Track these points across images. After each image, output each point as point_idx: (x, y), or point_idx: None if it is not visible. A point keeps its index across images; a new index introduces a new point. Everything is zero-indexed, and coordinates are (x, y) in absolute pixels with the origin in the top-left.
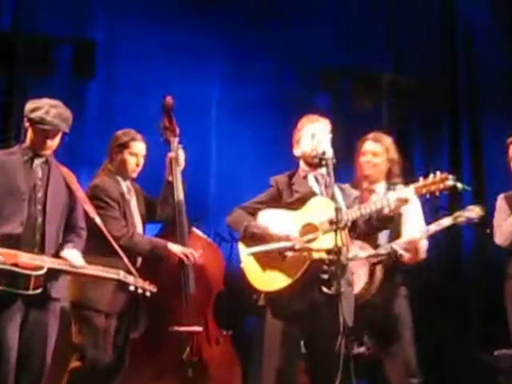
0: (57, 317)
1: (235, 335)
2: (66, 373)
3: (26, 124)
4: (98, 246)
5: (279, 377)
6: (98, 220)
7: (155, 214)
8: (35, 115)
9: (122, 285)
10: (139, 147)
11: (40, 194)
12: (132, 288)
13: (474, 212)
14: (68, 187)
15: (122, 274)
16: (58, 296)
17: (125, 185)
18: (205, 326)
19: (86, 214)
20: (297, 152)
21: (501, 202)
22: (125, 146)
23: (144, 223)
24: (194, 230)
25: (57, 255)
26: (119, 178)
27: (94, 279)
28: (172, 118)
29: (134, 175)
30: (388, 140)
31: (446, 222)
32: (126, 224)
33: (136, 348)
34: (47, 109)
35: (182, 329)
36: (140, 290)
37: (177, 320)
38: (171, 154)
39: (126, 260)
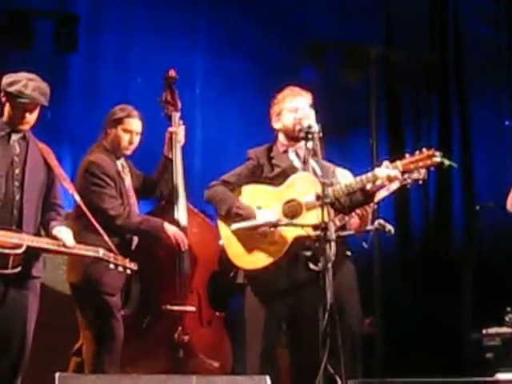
0: (37, 295)
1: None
2: (70, 358)
3: (3, 99)
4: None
5: (263, 354)
6: (77, 197)
7: (151, 191)
8: (13, 89)
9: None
10: (134, 124)
11: (18, 171)
12: (112, 266)
13: (418, 173)
14: (46, 164)
15: (101, 252)
16: (38, 274)
17: (119, 162)
18: (197, 307)
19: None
20: (277, 125)
21: None
22: (119, 121)
23: (138, 201)
24: (191, 206)
25: (36, 234)
26: (113, 156)
27: (73, 257)
28: (174, 91)
29: (127, 153)
30: None
31: (394, 186)
32: (122, 203)
33: (127, 325)
34: (25, 82)
35: (175, 308)
36: (120, 268)
37: (170, 299)
38: (172, 129)
39: (105, 237)
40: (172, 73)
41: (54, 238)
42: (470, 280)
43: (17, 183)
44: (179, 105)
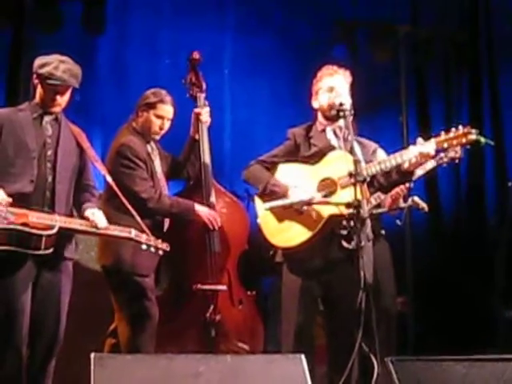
0: (70, 277)
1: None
2: (105, 340)
3: (35, 81)
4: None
5: (298, 333)
6: (109, 179)
7: (179, 173)
8: (44, 70)
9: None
10: (166, 110)
11: (50, 152)
12: (144, 247)
13: (455, 152)
14: (79, 146)
15: (133, 233)
16: (71, 256)
17: (149, 145)
18: (228, 286)
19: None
20: (315, 104)
21: None
22: (152, 106)
23: (167, 182)
24: (220, 187)
25: (69, 215)
26: (143, 138)
27: (106, 238)
28: (198, 73)
29: (157, 137)
30: None
31: (430, 165)
32: (153, 185)
33: (159, 306)
34: (56, 64)
35: (207, 287)
36: (152, 249)
37: (201, 279)
38: (197, 110)
39: (138, 218)
40: (196, 55)
41: (87, 219)
42: (502, 258)
43: (49, 165)
44: (204, 86)
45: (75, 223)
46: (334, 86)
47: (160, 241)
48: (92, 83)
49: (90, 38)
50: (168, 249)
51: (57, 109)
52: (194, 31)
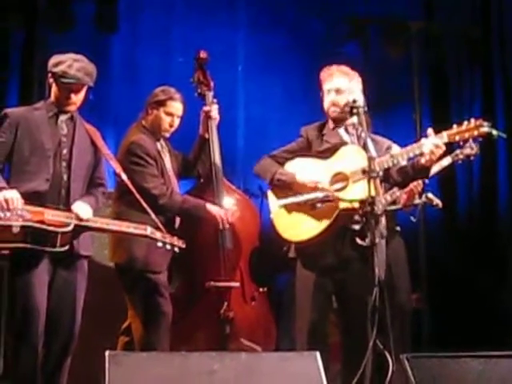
0: (85, 275)
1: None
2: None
3: (50, 79)
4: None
5: (312, 330)
6: (124, 176)
7: (190, 171)
8: (58, 69)
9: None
10: (176, 107)
11: (65, 151)
12: (160, 244)
13: (471, 149)
14: (93, 144)
15: (149, 230)
16: (87, 253)
17: (159, 143)
18: (241, 283)
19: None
20: (324, 104)
21: None
22: (161, 103)
23: (178, 181)
24: (230, 184)
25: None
26: (153, 136)
27: (121, 235)
28: (206, 71)
29: (167, 135)
30: None
31: (446, 161)
32: (164, 182)
33: (173, 304)
34: (70, 63)
35: (220, 284)
36: (168, 246)
37: (213, 276)
38: (206, 109)
39: (153, 216)
40: (203, 54)
41: (71, 211)
42: None
43: (64, 163)
44: (212, 84)
45: (90, 221)
46: (331, 89)
47: (176, 238)
48: (105, 82)
49: (103, 36)
50: (184, 246)
51: (72, 107)
52: (206, 29)
